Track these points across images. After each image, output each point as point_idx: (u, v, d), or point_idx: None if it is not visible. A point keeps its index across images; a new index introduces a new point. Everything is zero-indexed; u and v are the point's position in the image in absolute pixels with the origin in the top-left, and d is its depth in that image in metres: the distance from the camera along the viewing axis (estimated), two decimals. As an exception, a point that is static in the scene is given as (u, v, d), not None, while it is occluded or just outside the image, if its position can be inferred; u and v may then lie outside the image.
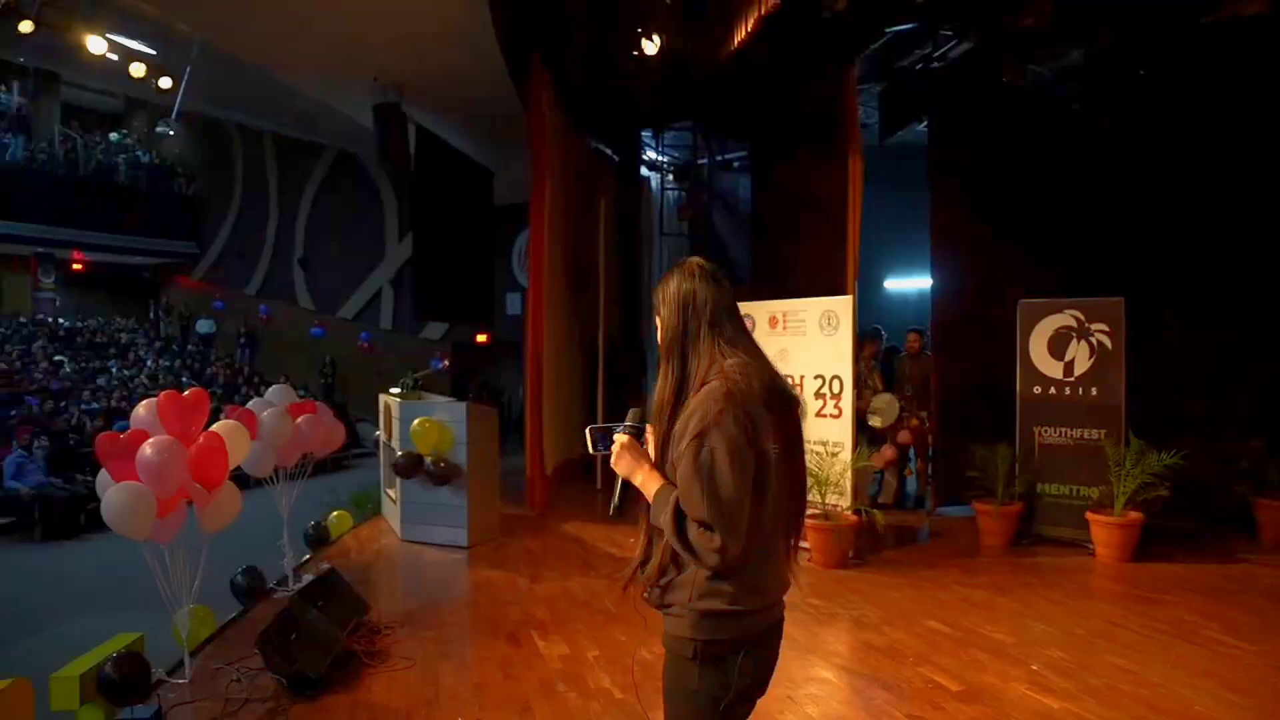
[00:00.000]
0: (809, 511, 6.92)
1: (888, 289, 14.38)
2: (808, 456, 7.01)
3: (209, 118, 21.61)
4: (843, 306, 7.16)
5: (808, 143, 9.48)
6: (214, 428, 4.28)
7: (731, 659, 1.91)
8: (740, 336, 2.06)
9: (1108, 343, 7.16)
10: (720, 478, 1.81)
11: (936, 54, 8.56)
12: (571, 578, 6.26)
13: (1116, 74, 8.09)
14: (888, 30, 8.26)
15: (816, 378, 7.22)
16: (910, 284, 14.20)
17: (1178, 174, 8.17)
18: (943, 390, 8.77)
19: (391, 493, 7.91)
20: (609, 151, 12.82)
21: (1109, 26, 7.29)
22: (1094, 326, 7.24)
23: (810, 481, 6.75)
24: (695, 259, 2.15)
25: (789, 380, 2.08)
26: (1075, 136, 8.64)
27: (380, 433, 8.59)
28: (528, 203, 8.90)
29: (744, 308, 7.78)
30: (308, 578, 5.64)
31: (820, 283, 8.38)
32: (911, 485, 9.37)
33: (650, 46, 7.09)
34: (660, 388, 2.03)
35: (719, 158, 13.71)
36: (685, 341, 2.02)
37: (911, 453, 9.24)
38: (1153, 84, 8.11)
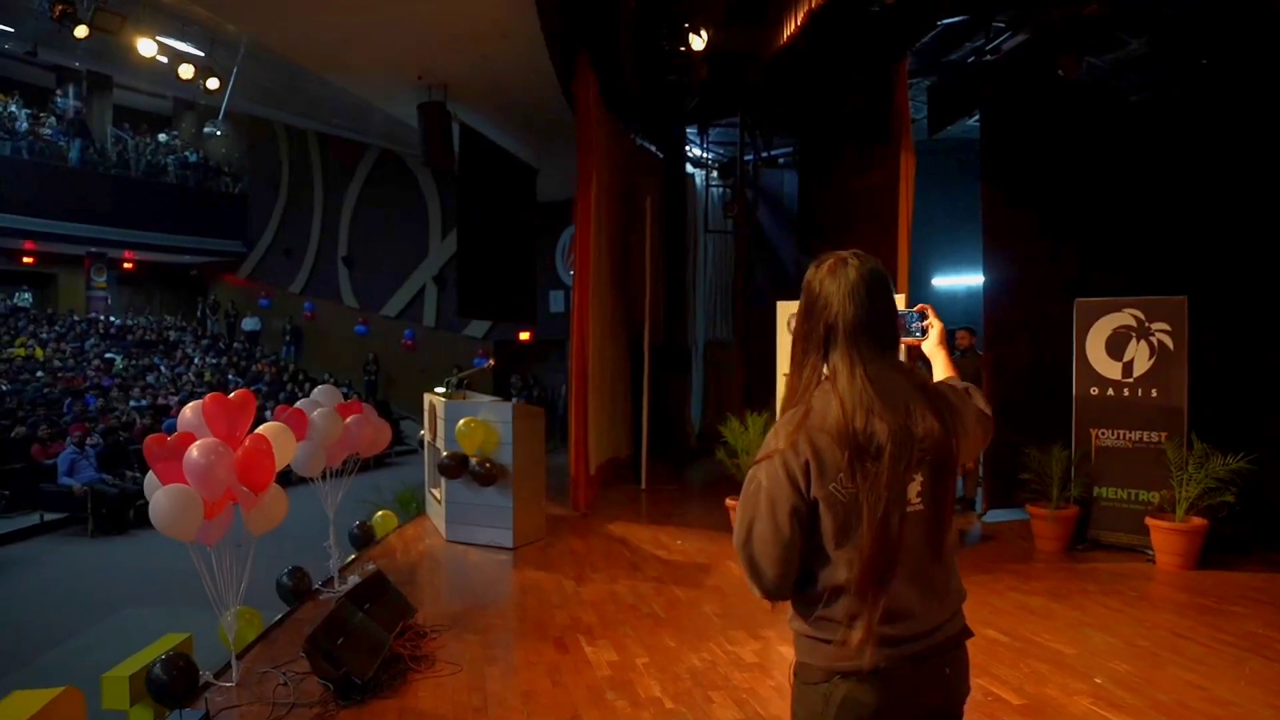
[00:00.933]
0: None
1: (936, 286, 14.11)
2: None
3: (255, 118, 21.93)
4: (894, 305, 6.98)
5: (857, 138, 9.33)
6: (260, 429, 4.26)
7: (823, 686, 1.78)
8: (868, 357, 1.75)
9: (1169, 343, 6.92)
10: (752, 515, 1.72)
11: (989, 46, 8.34)
12: (618, 580, 6.18)
13: (1177, 65, 7.81)
14: (939, 23, 8.05)
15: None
16: (959, 281, 13.94)
17: (1244, 168, 7.85)
18: (994, 389, 8.54)
19: (436, 493, 7.89)
20: (654, 149, 12.73)
21: (1171, 14, 7.02)
22: (1154, 326, 7.00)
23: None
24: (852, 251, 1.84)
25: (925, 425, 1.72)
26: (1133, 130, 8.39)
27: (425, 432, 8.57)
28: (571, 200, 8.85)
29: (790, 307, 7.77)
30: (353, 579, 5.63)
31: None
32: (960, 487, 9.17)
33: (698, 42, 6.98)
34: (780, 393, 2.02)
35: (765, 154, 13.56)
36: (805, 345, 1.82)
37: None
38: (1215, 74, 7.82)
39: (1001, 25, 8.16)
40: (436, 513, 7.90)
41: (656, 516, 8.61)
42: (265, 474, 4.07)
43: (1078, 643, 4.82)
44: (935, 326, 2.12)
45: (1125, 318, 7.15)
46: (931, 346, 2.13)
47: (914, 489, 1.71)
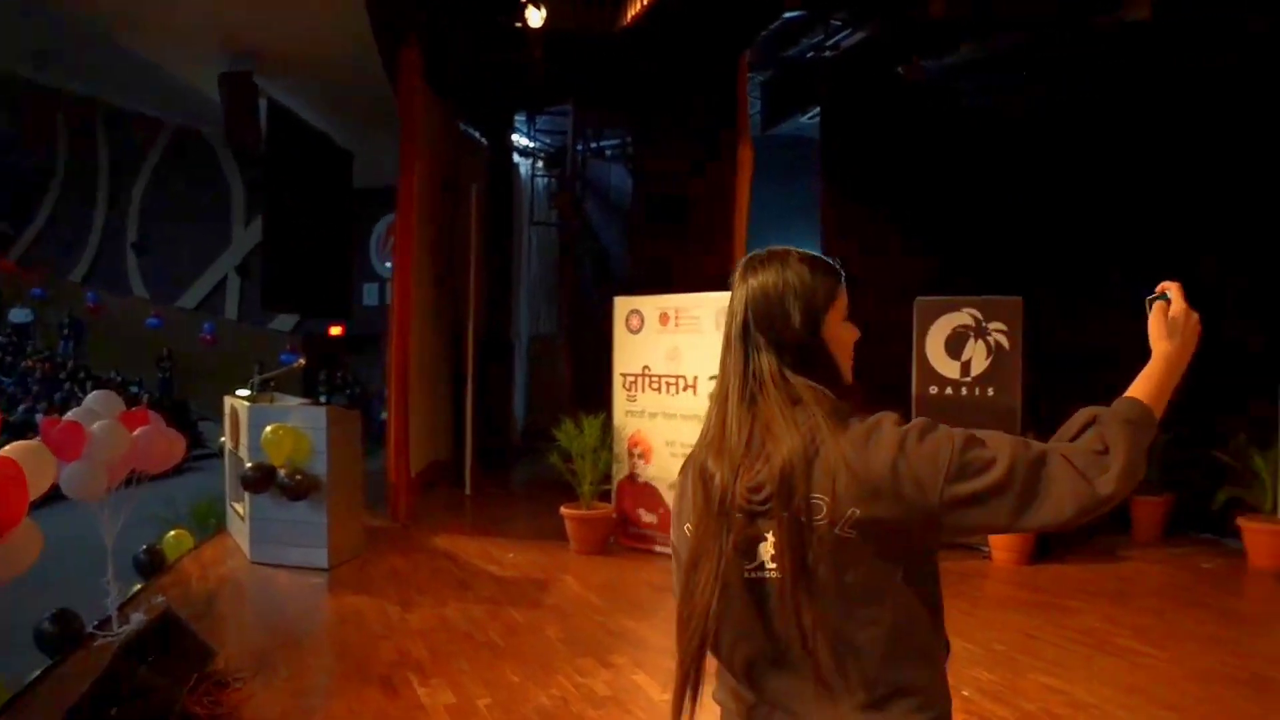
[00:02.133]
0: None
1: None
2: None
3: (26, 80, 19.44)
4: (737, 304, 6.77)
5: (694, 130, 9.12)
6: (7, 451, 3.45)
7: None
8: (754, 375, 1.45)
9: (1005, 342, 7.07)
10: None
11: (829, 43, 8.32)
12: (448, 602, 5.63)
13: (1009, 73, 8.08)
14: (783, 16, 7.95)
15: (712, 379, 6.80)
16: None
17: (1073, 171, 8.23)
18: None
19: (239, 507, 7.05)
20: (479, 136, 12.11)
21: (1005, 23, 7.19)
22: (992, 326, 7.13)
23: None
24: (788, 248, 1.52)
25: (770, 472, 1.34)
26: (970, 133, 8.61)
27: (226, 439, 7.67)
28: (389, 187, 8.21)
29: (631, 303, 7.41)
30: (137, 617, 4.79)
31: (704, 277, 8.03)
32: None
33: (535, 17, 6.52)
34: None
35: (593, 145, 13.21)
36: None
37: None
38: (1046, 82, 8.14)
39: (839, 23, 8.16)
40: (239, 530, 7.06)
41: (484, 525, 8.08)
42: (12, 510, 3.29)
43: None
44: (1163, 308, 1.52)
45: (964, 317, 7.25)
46: (1153, 329, 1.51)
47: (766, 548, 1.36)
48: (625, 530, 7.27)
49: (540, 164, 13.93)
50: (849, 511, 1.29)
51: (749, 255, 1.51)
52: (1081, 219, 8.27)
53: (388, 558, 6.80)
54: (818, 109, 9.70)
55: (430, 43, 8.28)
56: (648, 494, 7.17)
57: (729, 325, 1.47)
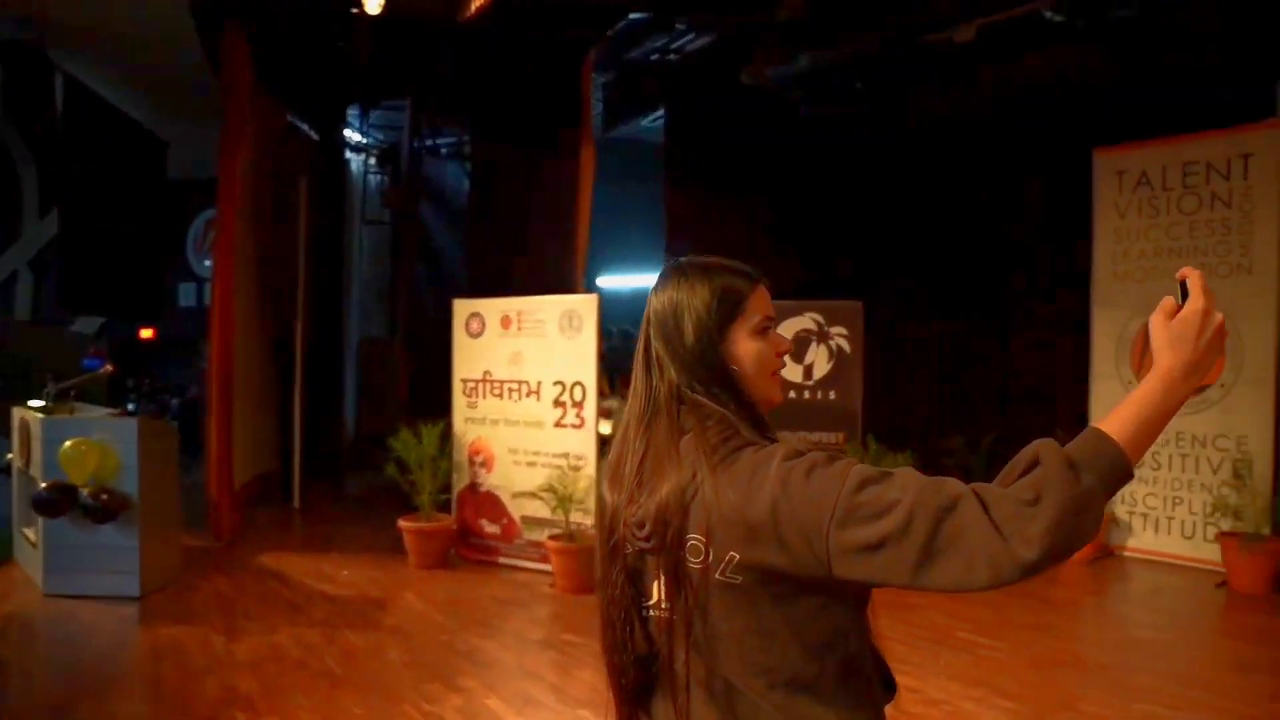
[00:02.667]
0: (552, 532, 6.39)
1: (601, 286, 14.21)
2: (548, 469, 6.60)
3: None
4: (586, 306, 6.67)
5: (536, 130, 8.95)
6: None
7: None
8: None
9: (846, 346, 7.27)
10: None
11: (673, 47, 8.34)
12: (279, 629, 5.22)
13: (838, 85, 8.34)
14: (630, 17, 7.90)
15: (556, 384, 6.67)
16: (625, 281, 14.13)
17: (907, 182, 8.62)
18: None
19: (30, 533, 6.32)
20: (308, 129, 11.46)
21: (843, 36, 7.42)
22: (833, 330, 7.31)
23: (552, 500, 6.28)
24: (709, 259, 1.44)
25: (656, 507, 1.27)
26: (809, 138, 8.86)
27: (14, 456, 6.87)
28: (211, 179, 7.60)
29: (471, 305, 7.16)
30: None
31: (544, 279, 7.94)
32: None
33: (373, 4, 6.17)
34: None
35: (429, 142, 12.77)
36: None
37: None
38: (869, 96, 8.46)
39: (683, 28, 8.18)
40: (31, 559, 6.31)
41: (316, 541, 7.61)
42: None
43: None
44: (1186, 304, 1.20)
45: (806, 321, 7.40)
46: (1154, 335, 1.20)
47: (657, 586, 1.30)
48: (467, 542, 7.02)
49: (373, 160, 13.35)
50: (728, 555, 1.20)
51: (664, 268, 1.42)
52: (914, 225, 8.68)
53: (210, 581, 6.27)
54: (660, 112, 9.75)
55: (256, 27, 7.72)
56: (490, 504, 6.95)
57: (638, 344, 1.39)
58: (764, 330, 1.36)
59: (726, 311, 1.34)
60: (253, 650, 4.84)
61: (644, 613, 1.33)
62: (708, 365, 1.32)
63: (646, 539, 1.28)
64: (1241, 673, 4.81)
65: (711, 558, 1.21)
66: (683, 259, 1.42)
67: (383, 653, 4.84)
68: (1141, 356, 7.18)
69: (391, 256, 12.61)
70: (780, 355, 1.38)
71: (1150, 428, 1.14)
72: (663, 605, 1.29)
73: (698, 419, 1.29)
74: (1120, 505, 7.17)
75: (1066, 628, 5.52)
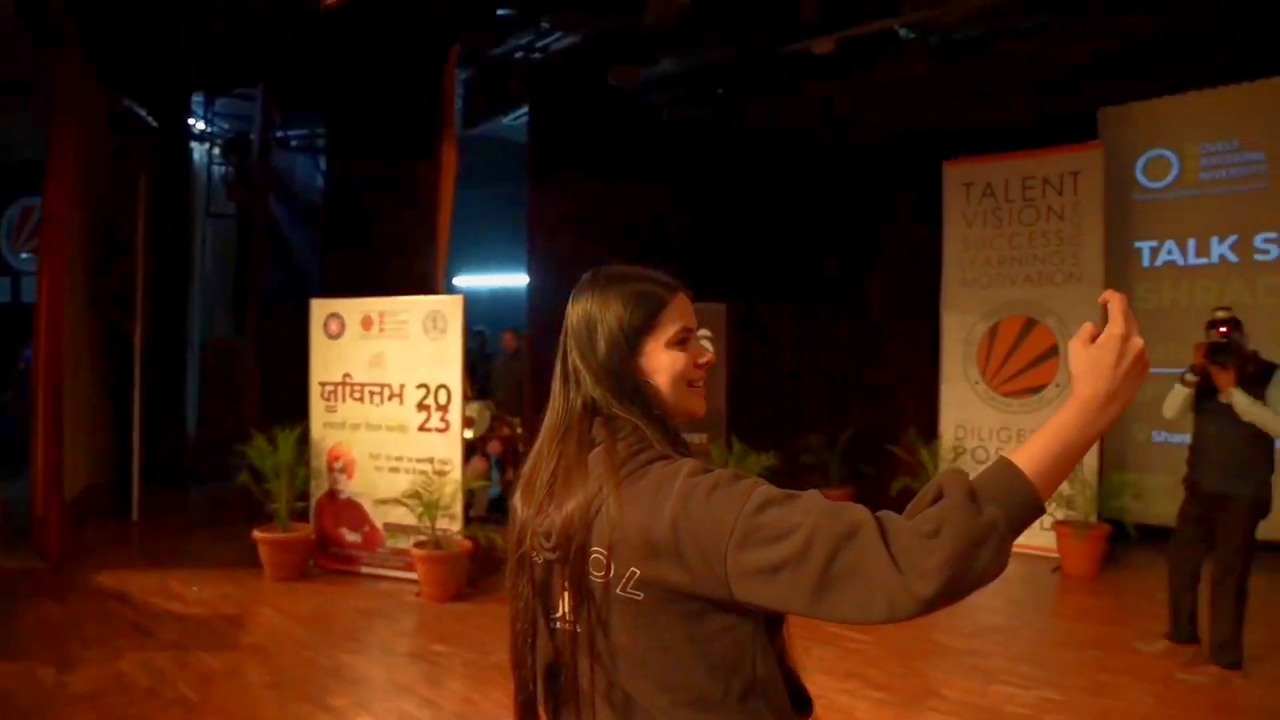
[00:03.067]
0: (417, 539, 6.20)
1: (457, 285, 13.93)
2: (412, 475, 6.39)
3: None
4: (451, 307, 6.51)
5: (396, 126, 8.68)
6: None
7: None
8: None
9: (710, 348, 7.36)
10: None
11: (538, 45, 8.25)
12: (122, 655, 4.83)
13: (702, 89, 8.49)
14: (495, 13, 7.76)
15: (420, 387, 6.48)
16: (481, 281, 13.93)
17: (768, 186, 8.83)
18: (538, 395, 8.51)
19: None
20: (147, 115, 10.71)
21: (706, 41, 7.52)
22: (699, 332, 7.40)
23: (417, 506, 6.08)
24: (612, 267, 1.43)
25: (562, 519, 1.27)
26: (672, 141, 8.96)
27: None
28: (29, 162, 7.02)
29: (329, 305, 6.86)
30: None
31: (403, 279, 7.73)
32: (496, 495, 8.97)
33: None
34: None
35: (278, 134, 12.18)
36: None
37: (496, 461, 8.83)
38: (732, 103, 8.64)
39: (548, 27, 8.10)
40: None
41: (159, 557, 7.10)
42: None
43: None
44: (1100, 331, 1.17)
45: (670, 324, 7.47)
46: (1073, 361, 1.18)
47: (564, 599, 1.30)
48: (326, 552, 6.73)
49: (217, 151, 12.62)
50: (629, 570, 1.20)
51: (582, 277, 1.40)
52: (776, 229, 8.91)
53: (35, 607, 5.75)
54: (521, 110, 9.64)
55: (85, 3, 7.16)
56: (350, 511, 6.69)
57: (556, 356, 1.40)
58: (682, 341, 1.35)
59: (640, 323, 1.33)
60: (92, 682, 4.46)
61: (552, 625, 1.32)
62: (619, 378, 1.31)
63: (553, 550, 1.27)
64: (1076, 649, 5.19)
65: (613, 573, 1.20)
66: (601, 268, 1.40)
67: (242, 674, 4.56)
68: (987, 361, 7.63)
69: (238, 253, 11.94)
70: (700, 366, 1.36)
71: (1066, 459, 1.11)
72: (568, 618, 1.28)
73: (609, 433, 1.28)
74: (967, 498, 7.58)
75: (925, 618, 5.75)
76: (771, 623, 1.28)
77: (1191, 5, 6.54)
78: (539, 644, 1.34)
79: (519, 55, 8.53)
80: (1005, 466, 1.11)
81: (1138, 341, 1.13)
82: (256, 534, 6.42)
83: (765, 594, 1.12)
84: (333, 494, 6.73)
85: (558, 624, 1.31)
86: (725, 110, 8.86)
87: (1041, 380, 7.37)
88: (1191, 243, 7.58)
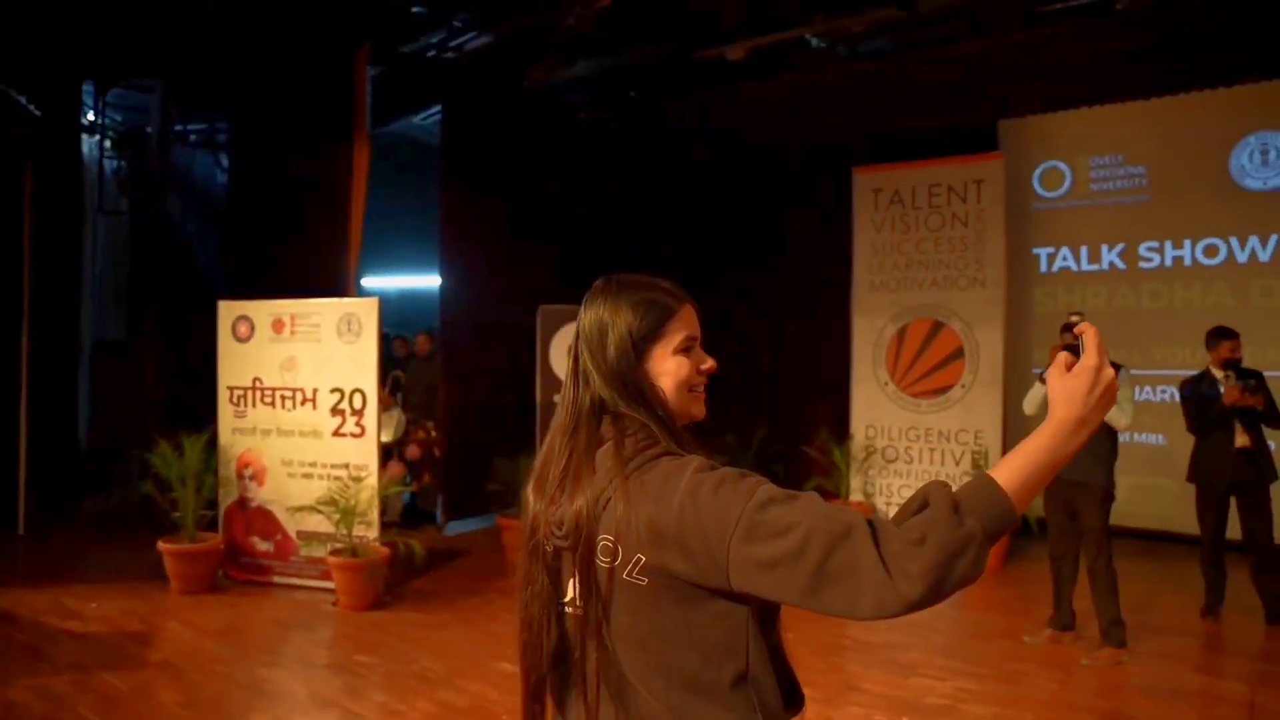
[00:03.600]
0: (334, 547, 6.06)
1: (364, 286, 13.61)
2: (327, 481, 6.23)
3: None
4: (366, 310, 6.38)
5: (305, 122, 8.43)
6: None
7: None
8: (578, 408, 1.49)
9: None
10: None
11: (452, 44, 8.12)
12: (13, 681, 4.54)
13: (614, 91, 8.55)
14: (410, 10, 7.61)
15: (334, 391, 6.33)
16: (389, 282, 13.64)
17: (685, 190, 8.92)
18: (452, 398, 8.40)
19: None
20: (28, 104, 10.13)
21: (621, 45, 7.55)
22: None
23: (333, 513, 5.93)
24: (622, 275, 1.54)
25: (574, 510, 1.35)
26: (587, 142, 8.96)
27: None
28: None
29: (238, 308, 6.65)
30: None
31: (312, 281, 7.55)
32: (409, 498, 8.81)
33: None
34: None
35: (176, 127, 11.68)
36: None
37: (412, 467, 8.69)
38: (643, 105, 8.72)
39: (462, 25, 7.99)
40: None
41: (52, 572, 6.72)
42: None
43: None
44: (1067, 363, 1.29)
45: (587, 327, 7.47)
46: (1051, 388, 1.28)
47: (573, 585, 1.39)
48: (236, 562, 6.51)
49: (109, 144, 12.03)
50: (635, 557, 1.28)
51: (594, 284, 1.51)
52: (692, 231, 9.01)
53: (-84, 628, 5.40)
54: (433, 109, 9.49)
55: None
56: (262, 519, 6.49)
57: (568, 358, 1.49)
58: (686, 349, 1.43)
59: (648, 330, 1.41)
60: (-14, 706, 4.22)
61: (561, 610, 1.40)
62: (627, 380, 1.39)
63: (564, 538, 1.36)
64: (986, 640, 5.41)
65: (619, 559, 1.29)
66: (613, 276, 1.50)
67: (152, 694, 4.37)
68: (896, 362, 7.87)
69: (133, 252, 11.42)
70: (703, 373, 1.45)
71: (1040, 476, 1.22)
72: (576, 603, 1.36)
73: (617, 430, 1.37)
74: (879, 497, 7.81)
75: (816, 617, 5.90)
76: (766, 616, 1.35)
77: (1082, 27, 6.88)
78: (549, 630, 1.41)
79: (431, 54, 8.39)
80: (987, 482, 1.20)
81: (1109, 372, 1.24)
82: (162, 545, 6.16)
83: (763, 585, 1.21)
84: (243, 502, 6.51)
85: (566, 609, 1.39)
86: (640, 113, 8.92)
87: (948, 381, 7.64)
88: (1084, 250, 8.00)
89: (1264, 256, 7.31)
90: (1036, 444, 1.23)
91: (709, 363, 1.46)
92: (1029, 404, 5.37)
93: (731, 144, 9.03)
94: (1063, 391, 1.25)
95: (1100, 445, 4.91)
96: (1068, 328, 4.84)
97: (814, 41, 7.70)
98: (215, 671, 4.69)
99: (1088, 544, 5.06)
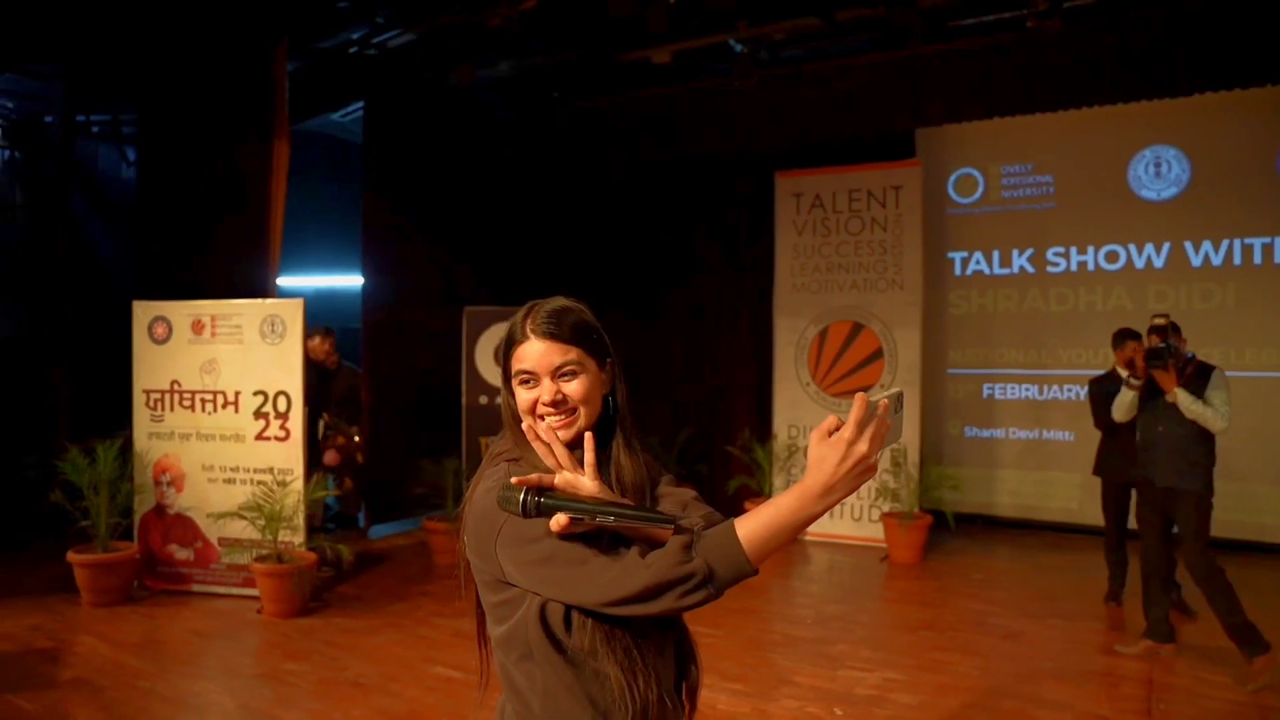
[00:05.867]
0: (259, 553, 5.91)
1: (281, 287, 13.27)
2: (250, 486, 6.06)
3: None
4: (290, 311, 6.24)
5: (221, 116, 8.17)
6: None
7: None
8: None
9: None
10: None
11: (375, 40, 7.99)
12: (-79, 697, 4.36)
13: (537, 91, 8.55)
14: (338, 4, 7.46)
15: (257, 394, 6.19)
16: (303, 282, 13.33)
17: (609, 194, 8.95)
18: (374, 402, 8.26)
19: None
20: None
21: (541, 44, 7.58)
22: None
23: (258, 519, 5.78)
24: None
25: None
26: (508, 145, 8.93)
27: None
28: None
29: (155, 308, 6.44)
30: None
31: (230, 280, 7.35)
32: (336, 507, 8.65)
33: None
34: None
35: (79, 118, 11.18)
36: None
37: (332, 472, 8.49)
38: (566, 105, 8.75)
39: (382, 21, 7.87)
40: None
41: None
42: None
43: (525, 665, 4.79)
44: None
45: (506, 328, 7.44)
46: (811, 449, 1.33)
47: None
48: (153, 571, 6.29)
49: (1, 134, 11.45)
50: (463, 544, 1.54)
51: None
52: (617, 236, 9.06)
53: None
54: (353, 106, 9.32)
55: None
56: (181, 527, 6.28)
57: None
58: (524, 382, 1.55)
59: (503, 360, 1.61)
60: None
61: None
62: (503, 401, 1.63)
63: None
64: (909, 631, 5.59)
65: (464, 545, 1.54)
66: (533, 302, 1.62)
67: (65, 714, 4.20)
68: (818, 363, 8.05)
69: (30, 249, 10.88)
70: (541, 403, 1.53)
71: (780, 534, 1.31)
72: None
73: (500, 439, 1.65)
74: (802, 494, 7.98)
75: (769, 609, 6.05)
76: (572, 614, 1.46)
77: (993, 41, 7.18)
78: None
79: (354, 50, 8.24)
80: (726, 532, 1.34)
81: (861, 448, 1.27)
82: (72, 556, 5.91)
83: (524, 581, 1.43)
84: (160, 509, 6.30)
85: None
86: (564, 115, 8.93)
87: (868, 381, 7.86)
88: (996, 254, 8.33)
89: (1159, 263, 7.74)
90: (784, 503, 1.31)
91: (545, 396, 1.52)
92: (1117, 409, 5.17)
93: (654, 146, 9.10)
94: (816, 458, 1.30)
95: (1193, 449, 4.73)
96: (1155, 329, 4.84)
97: (737, 47, 7.84)
98: (136, 686, 4.53)
99: (1185, 550, 4.75)
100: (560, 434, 1.51)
